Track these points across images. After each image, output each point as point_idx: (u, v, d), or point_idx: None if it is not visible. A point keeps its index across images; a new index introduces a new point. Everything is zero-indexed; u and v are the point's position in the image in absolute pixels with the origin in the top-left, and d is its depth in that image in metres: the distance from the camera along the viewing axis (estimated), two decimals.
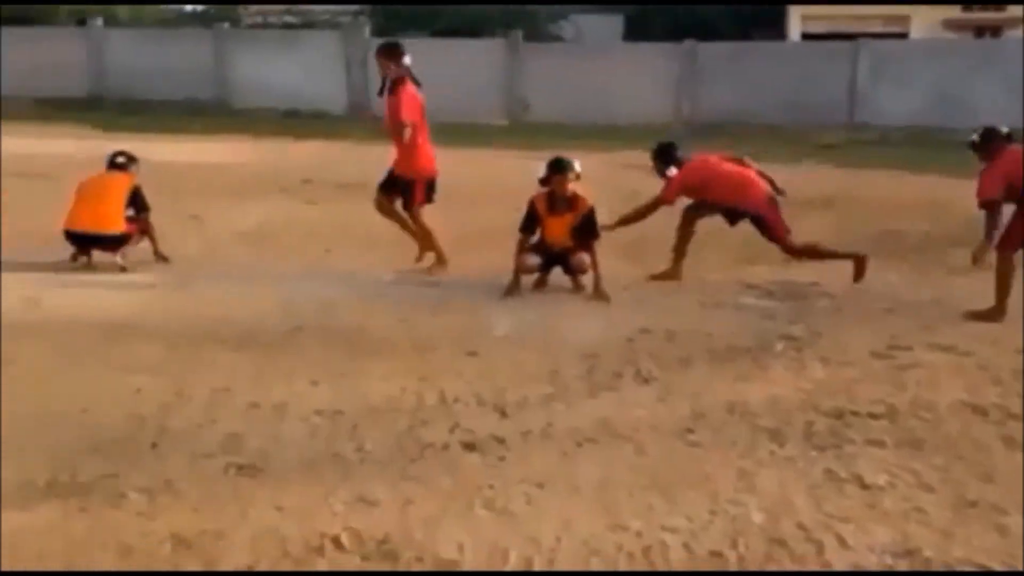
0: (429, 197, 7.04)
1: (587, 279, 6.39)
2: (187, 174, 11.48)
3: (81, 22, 26.16)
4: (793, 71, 19.05)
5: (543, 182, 6.38)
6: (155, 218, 7.13)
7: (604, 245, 6.51)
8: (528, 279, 6.48)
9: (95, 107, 21.01)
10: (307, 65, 21.44)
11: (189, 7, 34.43)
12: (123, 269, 6.75)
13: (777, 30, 26.64)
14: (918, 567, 2.98)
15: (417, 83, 7.05)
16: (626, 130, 16.41)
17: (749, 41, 22.21)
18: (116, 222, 6.71)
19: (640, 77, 19.72)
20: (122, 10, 28.35)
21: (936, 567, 2.98)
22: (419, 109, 6.94)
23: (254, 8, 29.32)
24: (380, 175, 7.24)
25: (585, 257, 6.33)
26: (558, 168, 6.32)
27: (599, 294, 6.25)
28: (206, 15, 29.51)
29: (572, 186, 6.29)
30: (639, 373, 4.76)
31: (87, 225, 6.65)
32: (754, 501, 3.39)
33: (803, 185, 10.84)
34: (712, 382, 4.67)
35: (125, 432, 3.92)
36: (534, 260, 6.43)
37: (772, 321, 5.79)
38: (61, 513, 3.23)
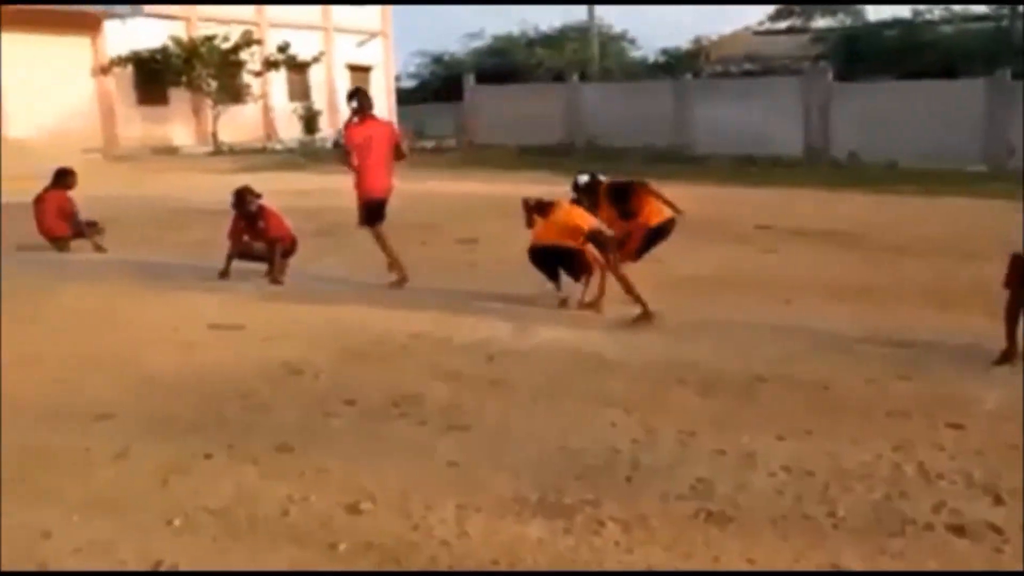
0: (371, 219, 8.00)
1: None
2: None
3: (558, 78, 28.91)
4: None
5: None
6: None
7: None
8: None
9: (565, 154, 22.99)
10: (765, 112, 21.47)
11: (652, 58, 36.42)
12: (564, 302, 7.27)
13: None
14: None
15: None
16: None
17: None
18: (574, 239, 7.22)
19: None
20: (596, 65, 30.78)
21: None
22: (364, 141, 7.89)
23: (715, 57, 30.07)
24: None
25: None
26: None
27: None
28: (670, 66, 30.89)
29: None
30: None
31: (551, 238, 7.28)
32: None
33: None
34: None
35: (602, 462, 4.18)
36: None
37: None
38: (548, 531, 3.52)
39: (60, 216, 9.93)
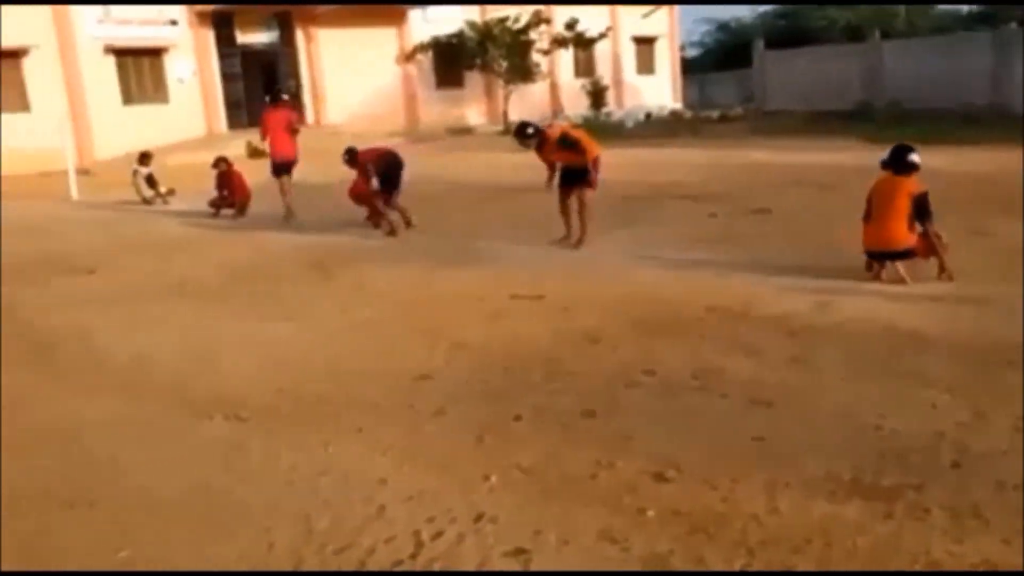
0: (277, 172, 11.90)
1: None
2: (964, 185, 11.03)
3: (854, 38, 27.09)
4: None
5: None
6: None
7: None
8: None
9: (863, 118, 21.51)
10: None
11: (966, 8, 33.09)
12: (902, 281, 6.76)
13: None
14: None
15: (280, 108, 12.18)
16: None
17: None
18: (904, 239, 6.75)
19: None
20: (900, 21, 28.50)
21: None
22: (273, 123, 11.90)
23: None
24: None
25: None
26: None
27: None
28: (988, 17, 27.92)
29: None
30: None
31: (877, 245, 6.87)
32: None
33: None
34: None
35: (923, 445, 3.90)
36: None
37: None
38: (867, 513, 3.35)
39: None
